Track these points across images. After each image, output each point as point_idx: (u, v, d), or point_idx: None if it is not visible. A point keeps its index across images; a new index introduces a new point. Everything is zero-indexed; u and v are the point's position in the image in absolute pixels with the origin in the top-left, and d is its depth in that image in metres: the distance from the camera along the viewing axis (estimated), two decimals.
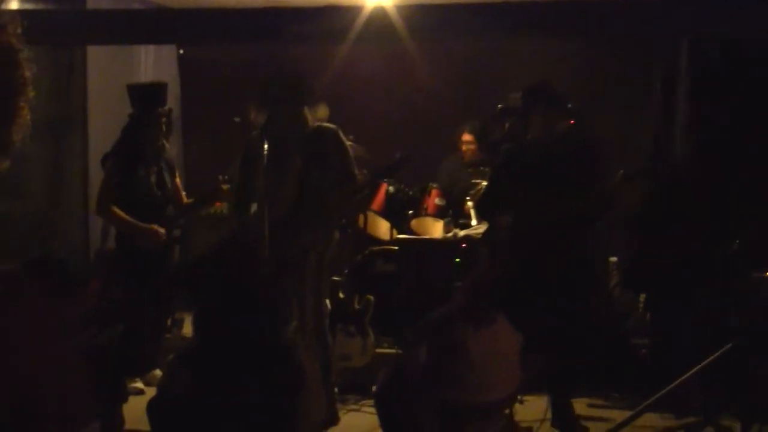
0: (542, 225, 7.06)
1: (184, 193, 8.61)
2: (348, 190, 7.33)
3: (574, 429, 7.18)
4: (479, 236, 8.92)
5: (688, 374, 6.79)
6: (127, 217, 8.04)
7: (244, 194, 7.46)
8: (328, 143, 7.26)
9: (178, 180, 8.57)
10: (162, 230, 8.10)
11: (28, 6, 8.89)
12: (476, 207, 8.63)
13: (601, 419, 7.47)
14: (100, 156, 8.57)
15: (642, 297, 9.25)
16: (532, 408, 7.44)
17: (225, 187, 8.33)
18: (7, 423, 1.49)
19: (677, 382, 6.81)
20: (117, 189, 8.06)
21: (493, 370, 5.20)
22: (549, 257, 7.08)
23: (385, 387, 5.20)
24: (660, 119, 8.75)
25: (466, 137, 10.53)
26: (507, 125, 9.04)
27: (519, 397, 7.08)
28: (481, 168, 10.11)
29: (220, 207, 10.17)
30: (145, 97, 8.24)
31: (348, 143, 7.42)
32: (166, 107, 8.39)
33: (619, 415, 7.28)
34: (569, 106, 7.63)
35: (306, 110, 7.29)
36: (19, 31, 1.67)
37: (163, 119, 8.25)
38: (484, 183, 8.76)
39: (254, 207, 7.38)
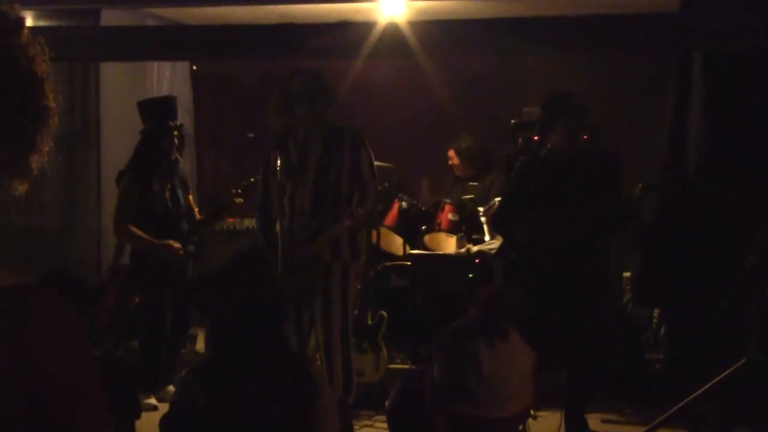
0: (562, 238, 7.05)
1: (197, 209, 8.63)
2: (366, 197, 7.22)
3: None
4: (492, 251, 8.93)
5: (702, 389, 6.77)
6: (144, 235, 8.06)
7: (267, 211, 7.41)
8: (345, 142, 7.18)
9: (191, 197, 8.59)
10: (177, 245, 8.11)
11: (42, 23, 8.92)
12: (492, 220, 8.60)
13: None
14: (113, 171, 8.60)
15: (656, 312, 9.24)
16: (546, 424, 7.44)
17: (238, 200, 8.33)
18: (26, 429, 1.50)
19: (691, 397, 6.79)
20: (133, 207, 8.07)
21: (507, 384, 5.19)
22: (568, 270, 7.06)
23: (398, 402, 5.19)
24: (673, 132, 8.73)
25: (449, 153, 10.54)
26: (520, 140, 9.04)
27: (532, 412, 7.07)
28: (470, 183, 10.18)
29: (234, 222, 10.19)
30: (156, 111, 8.26)
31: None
32: (177, 121, 8.42)
33: (633, 431, 7.28)
34: None
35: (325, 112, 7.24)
36: (47, 59, 1.69)
37: (175, 132, 8.27)
38: (497, 200, 8.74)
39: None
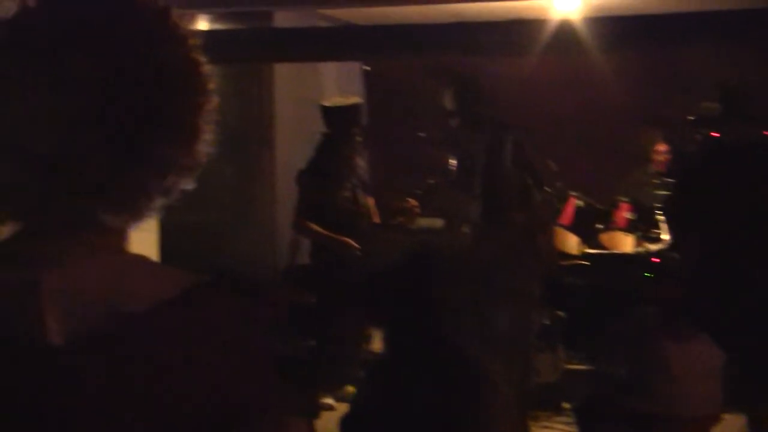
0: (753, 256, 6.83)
1: (375, 212, 8.66)
2: (526, 202, 7.13)
3: None
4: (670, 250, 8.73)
5: None
6: (321, 230, 8.12)
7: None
8: (507, 143, 7.09)
9: (370, 200, 8.63)
10: (354, 243, 8.13)
11: (217, 26, 9.06)
12: (664, 208, 8.36)
13: None
14: (287, 171, 8.66)
15: None
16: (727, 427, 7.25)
17: (411, 204, 8.32)
18: (205, 427, 1.46)
19: None
20: (311, 205, 8.13)
21: (695, 384, 5.06)
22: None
23: (583, 401, 5.12)
24: None
25: (662, 147, 10.20)
26: (699, 138, 8.80)
27: None
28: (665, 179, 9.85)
29: (405, 220, 10.15)
30: (342, 118, 8.27)
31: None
32: (361, 127, 8.45)
33: None
34: None
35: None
36: (199, 45, 1.64)
37: (359, 138, 8.30)
38: None
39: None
